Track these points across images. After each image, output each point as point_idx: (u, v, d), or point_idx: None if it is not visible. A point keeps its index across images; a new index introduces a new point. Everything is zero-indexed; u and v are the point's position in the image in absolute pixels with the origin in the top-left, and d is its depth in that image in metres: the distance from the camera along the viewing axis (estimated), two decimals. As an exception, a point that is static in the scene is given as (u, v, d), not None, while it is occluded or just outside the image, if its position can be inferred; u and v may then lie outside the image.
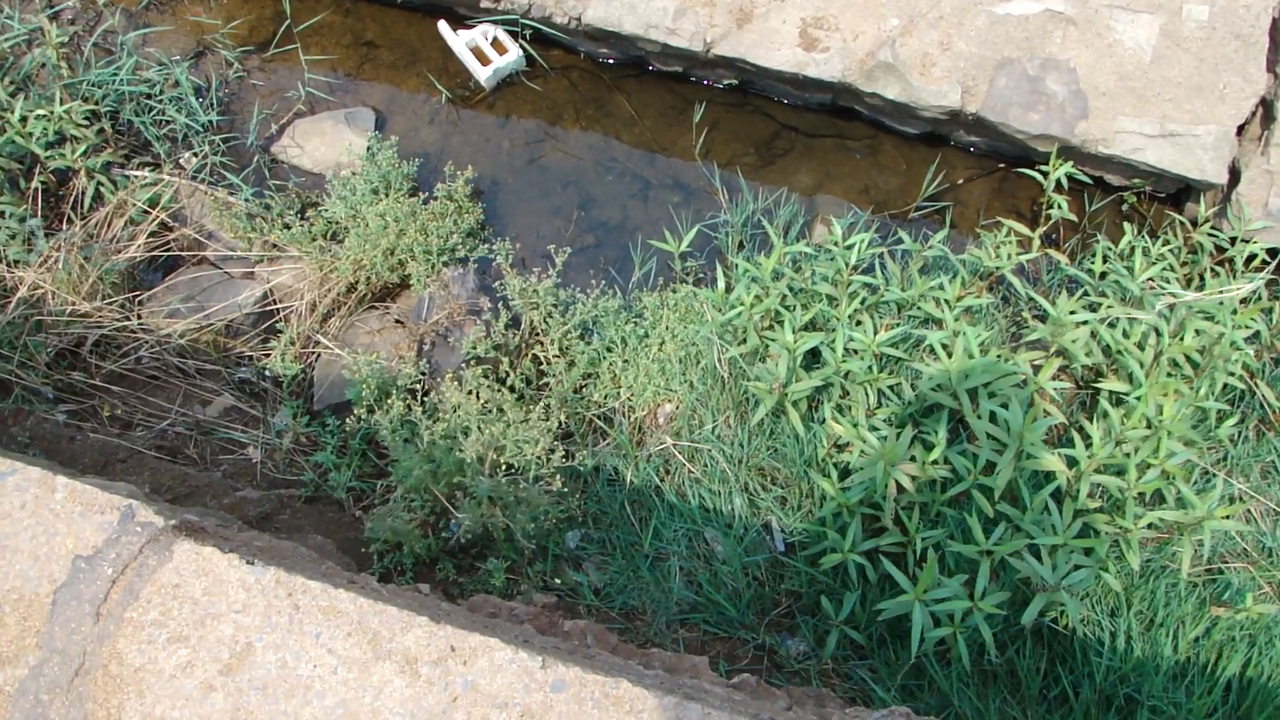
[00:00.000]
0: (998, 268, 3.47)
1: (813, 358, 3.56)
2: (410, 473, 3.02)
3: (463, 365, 3.48)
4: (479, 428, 3.19)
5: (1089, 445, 3.01)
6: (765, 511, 3.23)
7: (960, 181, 4.01)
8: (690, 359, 3.64)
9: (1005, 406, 2.94)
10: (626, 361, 3.72)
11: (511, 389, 3.62)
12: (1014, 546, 2.68)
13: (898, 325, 3.43)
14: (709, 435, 3.39)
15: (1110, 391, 3.19)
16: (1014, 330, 3.53)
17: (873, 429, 3.05)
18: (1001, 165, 4.00)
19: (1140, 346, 3.24)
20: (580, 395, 3.67)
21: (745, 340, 3.39)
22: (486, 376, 3.54)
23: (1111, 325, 3.29)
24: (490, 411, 3.28)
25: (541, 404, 3.39)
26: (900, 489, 2.89)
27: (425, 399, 3.41)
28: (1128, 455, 2.93)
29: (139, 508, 1.95)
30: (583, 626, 2.49)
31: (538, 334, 3.78)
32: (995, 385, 3.00)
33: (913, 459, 2.90)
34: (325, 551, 2.85)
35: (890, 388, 3.27)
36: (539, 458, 3.12)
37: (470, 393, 3.38)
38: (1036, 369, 3.12)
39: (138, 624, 1.79)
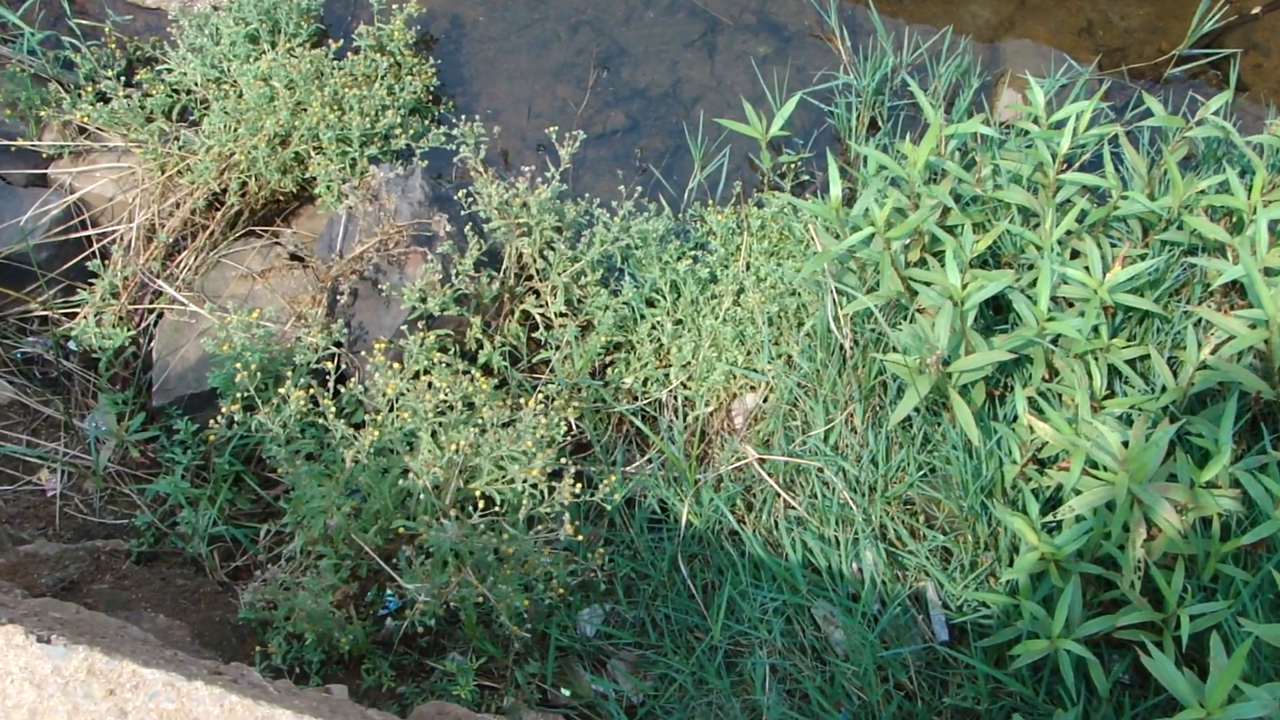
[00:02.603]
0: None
1: (995, 313, 3.55)
2: (317, 512, 3.04)
3: (404, 330, 3.47)
4: (434, 436, 3.18)
5: None
6: (915, 574, 3.23)
7: (1257, 11, 3.99)
8: (786, 318, 3.64)
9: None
10: (680, 323, 3.72)
11: (488, 370, 3.60)
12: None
13: (1143, 256, 3.42)
14: (818, 445, 3.39)
15: None
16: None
17: (1101, 430, 2.96)
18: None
19: None
20: (603, 380, 3.67)
21: (879, 284, 3.40)
22: (445, 349, 3.52)
23: None
24: (453, 408, 3.26)
25: (538, 395, 3.39)
26: (1152, 531, 2.90)
27: (343, 387, 3.41)
28: None
29: None
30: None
31: (530, 277, 3.77)
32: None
33: (1173, 479, 2.89)
34: (172, 639, 2.94)
35: (1132, 362, 3.26)
36: (535, 486, 3.11)
37: (419, 376, 3.36)
38: None
39: None
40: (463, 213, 3.71)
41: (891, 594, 3.18)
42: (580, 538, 3.16)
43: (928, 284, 3.29)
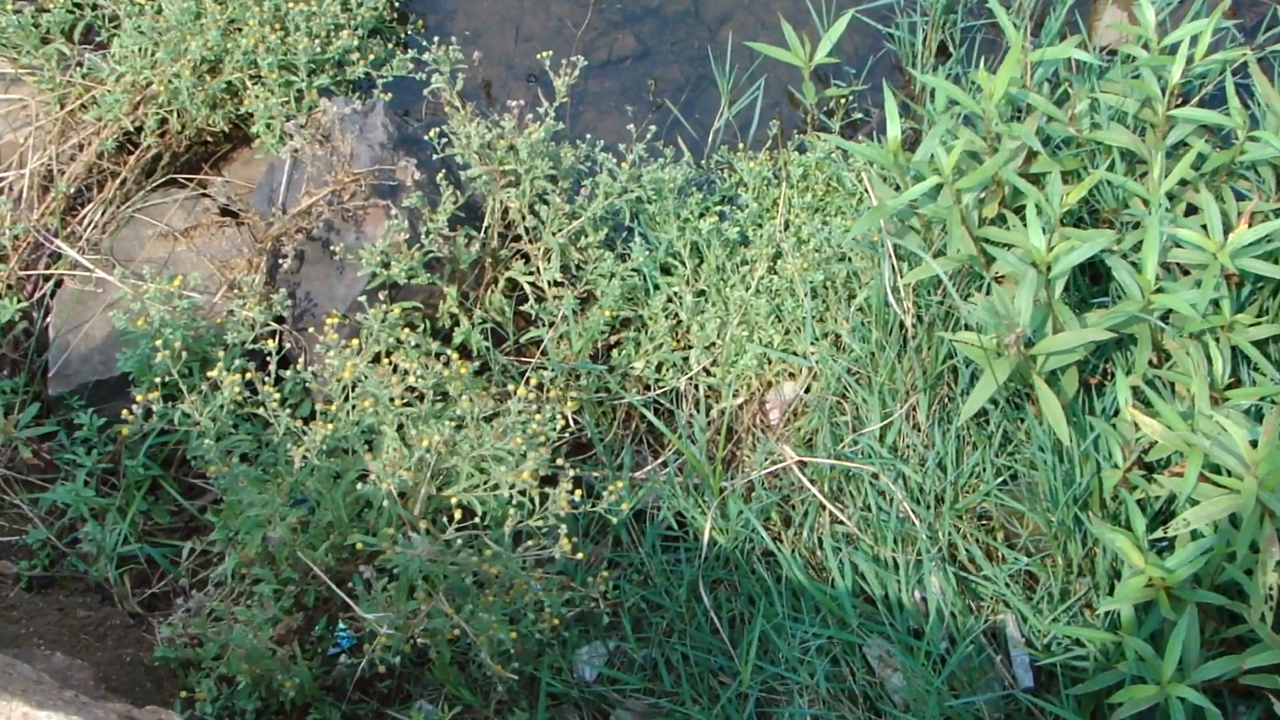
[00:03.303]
0: None
1: (1092, 282, 3.53)
2: (255, 526, 3.04)
3: (362, 302, 3.47)
4: (399, 432, 3.19)
5: None
6: (992, 604, 3.23)
7: None
8: (834, 288, 3.65)
9: None
10: (702, 295, 3.76)
11: (466, 351, 3.62)
12: None
13: (1277, 212, 3.38)
14: (873, 445, 3.40)
15: None
16: None
17: (1224, 427, 2.94)
18: None
19: None
20: (608, 365, 3.71)
21: (946, 246, 3.37)
22: (413, 326, 3.54)
23: None
24: (423, 398, 3.28)
25: (527, 383, 3.35)
26: (1289, 551, 2.85)
27: (287, 372, 3.43)
28: None
29: None
30: None
31: (518, 238, 3.80)
32: None
33: (1315, 488, 2.84)
34: (71, 681, 2.92)
35: (1262, 343, 3.23)
36: (523, 494, 3.11)
37: (380, 359, 3.37)
38: None
39: None
40: (435, 158, 3.70)
41: (963, 629, 3.18)
42: (579, 557, 3.15)
43: (1006, 246, 3.27)
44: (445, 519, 3.03)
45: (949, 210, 3.32)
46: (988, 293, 3.31)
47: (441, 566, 2.91)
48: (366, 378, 3.20)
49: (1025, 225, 3.24)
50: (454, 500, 3.04)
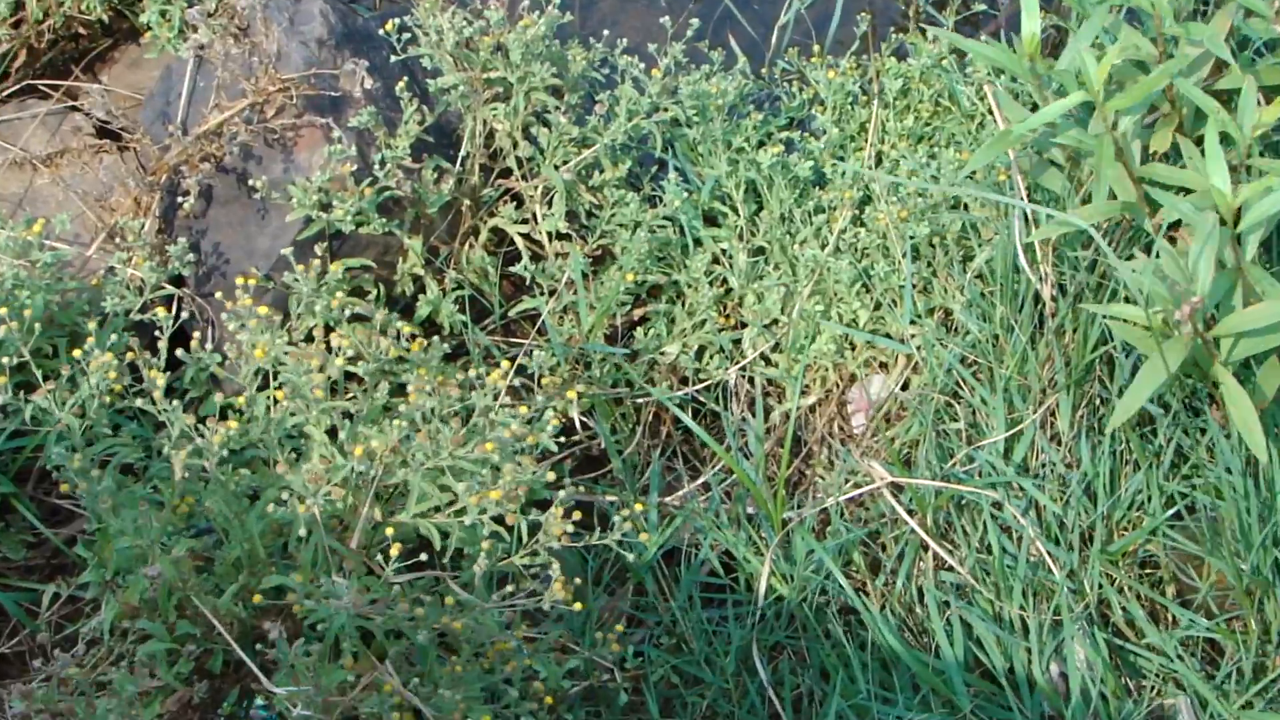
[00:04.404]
0: None
1: None
2: (137, 562, 2.96)
3: (289, 257, 3.43)
4: (331, 436, 3.14)
5: None
6: (1158, 682, 3.14)
7: None
8: (943, 246, 3.63)
9: None
10: (761, 253, 3.77)
11: (433, 326, 3.58)
12: None
13: None
14: (995, 463, 3.33)
15: None
16: None
17: None
18: None
19: None
20: (629, 349, 3.68)
21: (1096, 189, 3.25)
22: (363, 291, 3.49)
23: None
24: (368, 390, 3.21)
25: (506, 365, 3.26)
26: None
27: (185, 352, 3.32)
28: None
29: None
30: None
31: (508, 172, 3.77)
32: None
33: None
34: None
35: None
36: (500, 521, 3.05)
37: (315, 337, 3.31)
38: None
39: None
40: (393, 60, 3.68)
41: (1117, 716, 3.09)
42: (577, 609, 3.04)
43: (1180, 191, 3.20)
44: (397, 559, 2.90)
45: (1100, 139, 3.22)
46: (1152, 254, 3.17)
47: (390, 621, 2.82)
48: (288, 360, 3.14)
49: (1204, 155, 3.12)
50: (390, 532, 2.96)
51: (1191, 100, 3.29)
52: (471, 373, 3.44)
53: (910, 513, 3.36)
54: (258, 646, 3.02)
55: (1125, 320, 3.12)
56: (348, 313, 3.39)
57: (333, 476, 2.98)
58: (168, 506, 3.03)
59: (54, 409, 3.06)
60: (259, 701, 3.10)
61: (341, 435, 3.17)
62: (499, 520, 2.99)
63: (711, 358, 3.65)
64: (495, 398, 3.11)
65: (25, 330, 3.12)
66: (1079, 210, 3.26)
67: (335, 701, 2.77)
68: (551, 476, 3.10)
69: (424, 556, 3.05)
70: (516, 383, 3.25)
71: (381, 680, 2.82)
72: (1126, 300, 3.17)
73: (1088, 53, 3.17)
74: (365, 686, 2.82)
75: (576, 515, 2.99)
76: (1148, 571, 3.31)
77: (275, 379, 3.21)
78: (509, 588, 2.94)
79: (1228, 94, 3.33)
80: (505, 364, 3.36)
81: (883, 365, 3.59)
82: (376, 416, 3.17)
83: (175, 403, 3.11)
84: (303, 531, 2.93)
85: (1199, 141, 3.28)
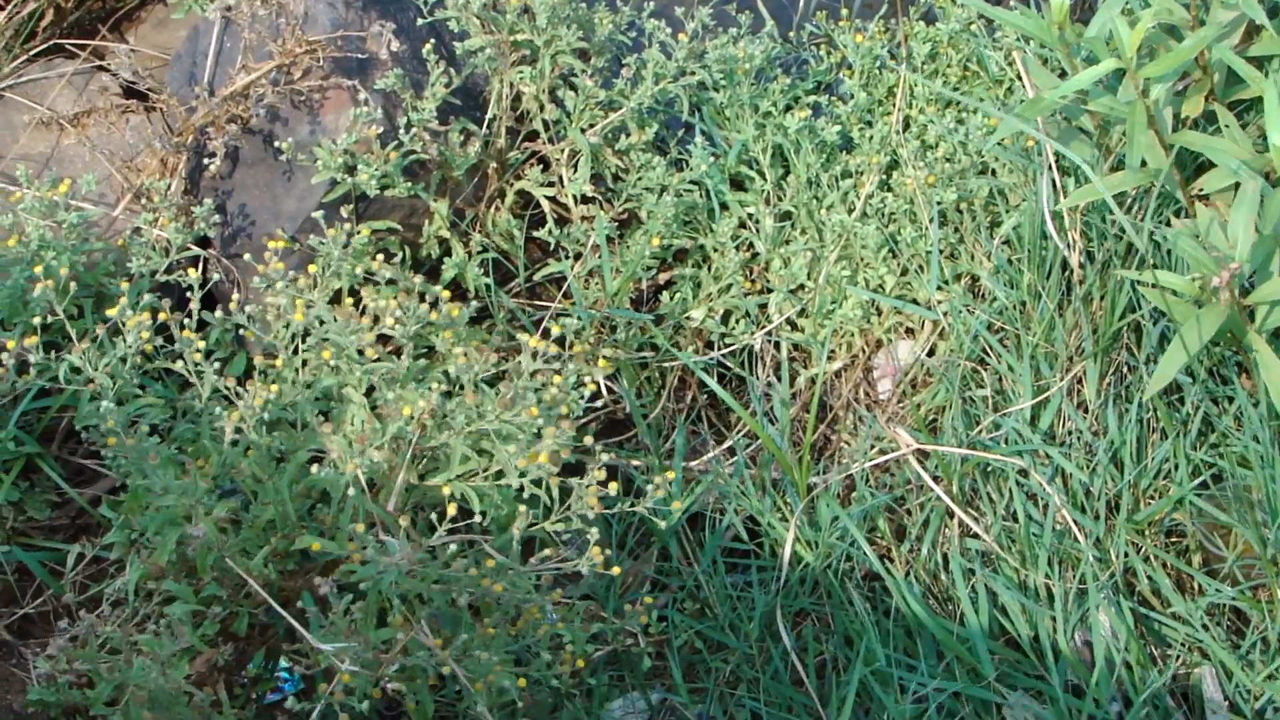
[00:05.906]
0: None
1: None
2: (168, 523, 2.97)
3: (319, 220, 3.42)
4: (369, 396, 3.14)
5: None
6: (1183, 652, 3.16)
7: None
8: (971, 213, 3.63)
9: None
10: (788, 218, 3.76)
11: (459, 290, 3.59)
12: None
13: None
14: (1022, 430, 3.34)
15: None
16: None
17: None
18: None
19: None
20: (654, 312, 3.68)
21: (1128, 156, 3.25)
22: (389, 253, 3.47)
23: None
24: (399, 353, 3.21)
25: (545, 334, 3.24)
26: None
27: (214, 314, 3.31)
28: None
29: None
30: None
31: (534, 135, 3.76)
32: None
33: None
34: None
35: None
36: (538, 484, 3.05)
37: (340, 298, 3.30)
38: None
39: None
40: (420, 22, 3.71)
41: (1142, 686, 3.10)
42: (614, 571, 3.05)
43: (1221, 151, 3.22)
44: (433, 517, 2.88)
45: (1132, 106, 3.22)
46: (1184, 216, 3.29)
47: (424, 582, 2.82)
48: (322, 323, 3.14)
49: (1243, 128, 3.16)
50: (446, 491, 2.98)
51: (1224, 65, 3.29)
52: (498, 342, 3.48)
53: (936, 479, 3.39)
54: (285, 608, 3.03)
55: (1157, 284, 3.12)
56: (376, 276, 3.38)
57: (372, 440, 2.99)
58: (192, 468, 3.02)
59: (85, 368, 3.05)
60: (284, 663, 3.12)
61: (380, 396, 3.16)
62: (537, 484, 3.00)
63: (737, 322, 3.68)
64: (541, 360, 3.10)
65: (56, 290, 3.14)
66: (1111, 178, 3.27)
67: (378, 659, 2.78)
68: (588, 440, 3.09)
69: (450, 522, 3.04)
70: (543, 347, 3.23)
71: (418, 641, 2.82)
72: (1155, 267, 3.19)
73: (1120, 20, 3.18)
74: (404, 647, 2.81)
75: (613, 485, 2.99)
76: (1174, 540, 3.34)
77: (305, 341, 3.19)
78: (544, 553, 2.93)
79: (1262, 60, 3.35)
80: (549, 328, 3.33)
81: (909, 331, 3.62)
82: (411, 379, 3.17)
83: (207, 365, 3.13)
84: (351, 491, 2.92)
85: (1235, 108, 3.33)
